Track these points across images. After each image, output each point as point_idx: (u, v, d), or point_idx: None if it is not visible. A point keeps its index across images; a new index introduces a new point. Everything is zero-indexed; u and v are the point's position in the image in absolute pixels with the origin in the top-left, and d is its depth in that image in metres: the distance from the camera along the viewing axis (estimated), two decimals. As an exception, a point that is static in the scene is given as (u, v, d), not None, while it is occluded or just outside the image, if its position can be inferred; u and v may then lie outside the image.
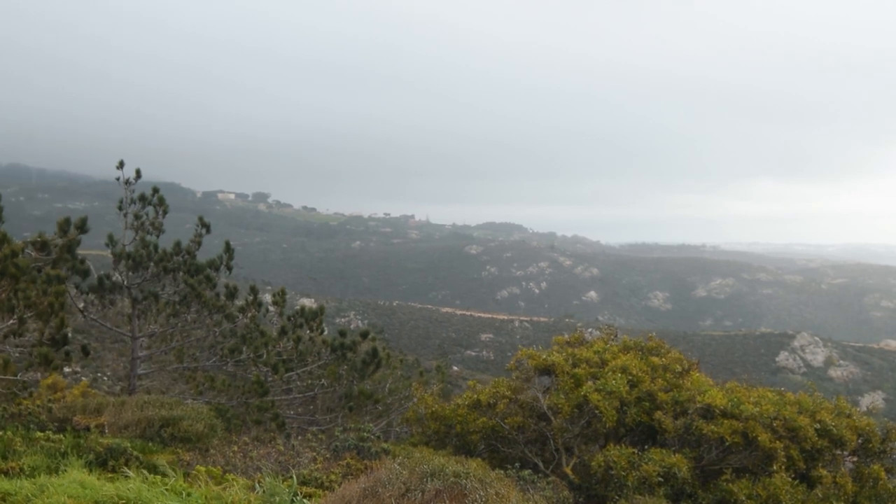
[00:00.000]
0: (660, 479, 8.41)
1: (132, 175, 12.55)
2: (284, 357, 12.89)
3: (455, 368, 53.39)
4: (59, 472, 5.41)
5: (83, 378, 17.27)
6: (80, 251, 10.98)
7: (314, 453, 8.49)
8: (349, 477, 6.72)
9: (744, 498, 8.37)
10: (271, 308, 14.08)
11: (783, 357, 74.24)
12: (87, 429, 7.95)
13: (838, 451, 9.61)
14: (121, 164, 12.39)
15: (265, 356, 12.71)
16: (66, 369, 14.52)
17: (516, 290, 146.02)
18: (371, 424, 11.28)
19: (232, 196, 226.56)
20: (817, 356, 75.29)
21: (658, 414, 9.66)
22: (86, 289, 12.38)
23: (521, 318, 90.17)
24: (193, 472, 6.06)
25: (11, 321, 8.66)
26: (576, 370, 10.43)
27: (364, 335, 13.60)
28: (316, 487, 6.38)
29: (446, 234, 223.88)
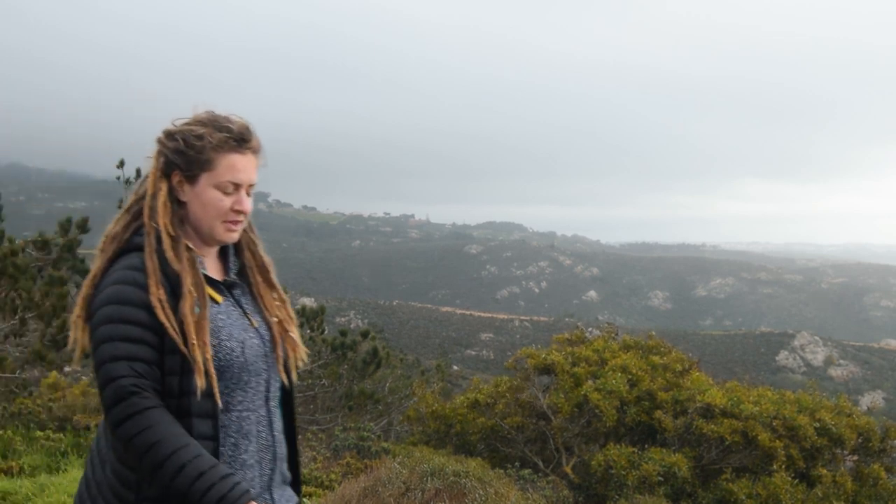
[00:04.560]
0: (660, 478, 8.41)
1: (132, 175, 12.55)
2: (284, 356, 12.90)
3: (455, 368, 53.41)
4: (60, 472, 5.42)
5: (84, 377, 17.28)
6: (81, 251, 10.98)
7: (314, 453, 8.50)
8: (349, 476, 6.73)
9: (744, 497, 8.37)
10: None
11: (783, 356, 74.24)
12: (88, 428, 7.96)
13: (838, 450, 9.61)
14: (121, 164, 12.37)
15: (265, 356, 12.71)
16: (67, 368, 14.54)
17: (516, 290, 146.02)
18: (371, 424, 11.30)
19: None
20: (817, 355, 75.29)
21: (658, 413, 9.67)
22: (86, 288, 12.39)
23: (521, 318, 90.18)
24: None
25: (13, 321, 8.67)
26: (575, 369, 10.44)
27: (364, 335, 13.60)
28: (316, 487, 6.39)
29: (446, 233, 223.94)
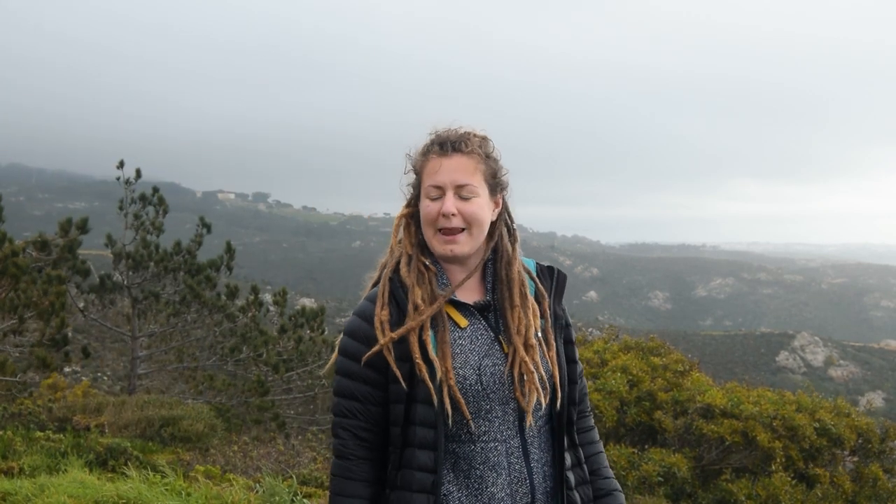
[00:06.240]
0: (660, 478, 8.41)
1: (132, 175, 12.54)
2: (285, 357, 12.90)
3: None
4: (60, 472, 5.42)
5: (83, 378, 17.27)
6: (81, 251, 10.98)
7: (314, 453, 8.50)
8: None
9: (743, 498, 8.37)
10: (272, 308, 14.09)
11: (783, 357, 74.20)
12: (87, 428, 7.96)
13: (838, 451, 9.62)
14: (121, 164, 12.39)
15: (265, 356, 12.71)
16: (67, 369, 14.54)
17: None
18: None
19: (232, 196, 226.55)
20: (817, 356, 75.26)
21: (658, 413, 9.67)
22: (86, 289, 12.39)
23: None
24: (193, 471, 6.07)
25: (12, 321, 8.67)
26: (576, 370, 10.43)
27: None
28: (316, 487, 6.39)
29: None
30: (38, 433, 7.00)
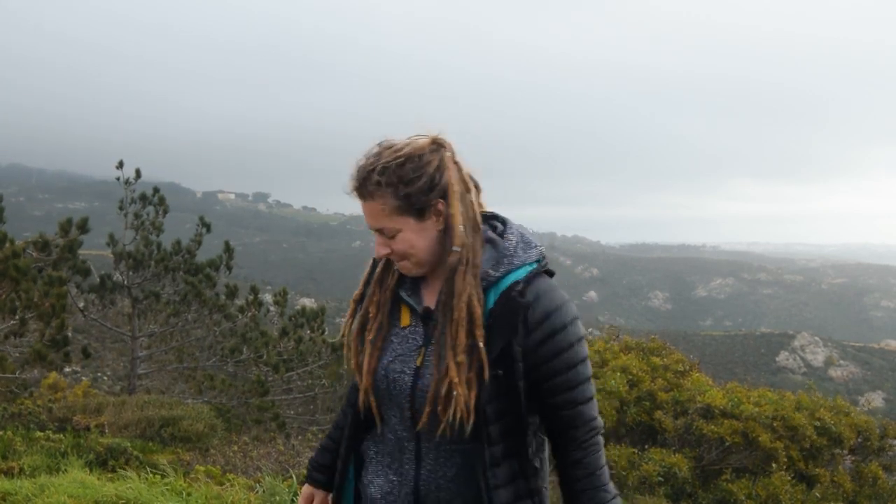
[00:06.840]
0: (660, 478, 8.42)
1: (132, 175, 12.55)
2: (285, 357, 12.90)
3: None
4: (60, 472, 5.42)
5: (83, 378, 17.28)
6: (81, 251, 10.98)
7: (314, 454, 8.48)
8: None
9: (743, 498, 8.38)
10: (272, 308, 14.09)
11: (783, 357, 74.20)
12: (88, 428, 7.96)
13: (837, 450, 9.63)
14: (120, 164, 12.40)
15: (265, 356, 12.71)
16: (67, 369, 14.54)
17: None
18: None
19: (232, 196, 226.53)
20: (817, 356, 75.27)
21: (658, 414, 9.68)
22: (86, 289, 12.39)
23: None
24: (193, 472, 6.07)
25: (13, 322, 8.67)
26: (576, 370, 10.43)
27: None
28: (316, 487, 6.37)
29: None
30: (38, 433, 7.00)
